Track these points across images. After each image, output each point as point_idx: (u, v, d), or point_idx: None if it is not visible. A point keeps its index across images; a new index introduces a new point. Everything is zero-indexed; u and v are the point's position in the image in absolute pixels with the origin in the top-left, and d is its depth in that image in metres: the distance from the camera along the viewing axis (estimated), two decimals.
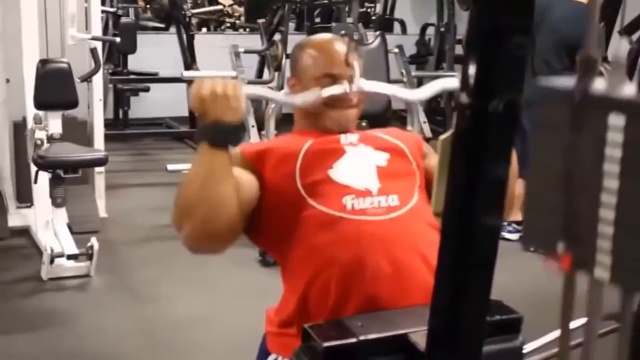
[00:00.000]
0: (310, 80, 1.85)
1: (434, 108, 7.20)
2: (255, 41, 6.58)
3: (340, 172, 1.75)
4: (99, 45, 5.09)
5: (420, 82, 5.78)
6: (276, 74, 5.83)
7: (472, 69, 0.81)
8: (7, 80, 4.78)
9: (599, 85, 0.65)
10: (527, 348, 1.78)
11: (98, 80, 5.12)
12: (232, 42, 5.45)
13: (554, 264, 0.67)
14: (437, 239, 0.89)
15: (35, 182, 4.25)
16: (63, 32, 4.85)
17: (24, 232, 4.69)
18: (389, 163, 1.80)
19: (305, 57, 1.89)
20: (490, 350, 1.32)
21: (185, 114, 6.78)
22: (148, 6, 9.14)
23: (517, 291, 2.72)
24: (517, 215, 4.62)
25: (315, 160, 1.76)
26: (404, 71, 5.67)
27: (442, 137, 1.26)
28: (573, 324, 0.68)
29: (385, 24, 8.75)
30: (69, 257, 4.06)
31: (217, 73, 5.53)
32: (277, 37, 6.00)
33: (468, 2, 6.48)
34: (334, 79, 1.83)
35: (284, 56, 5.58)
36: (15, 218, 4.81)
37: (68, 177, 4.21)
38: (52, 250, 4.00)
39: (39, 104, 4.25)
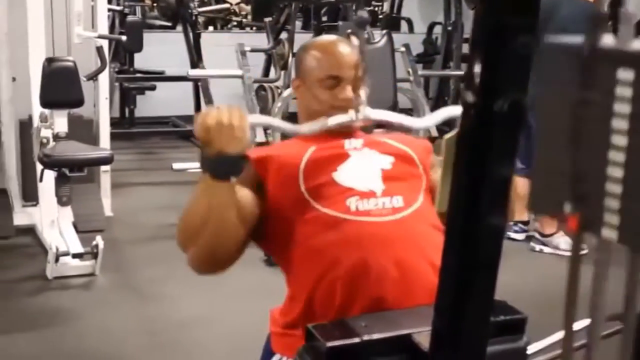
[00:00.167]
0: (314, 82, 1.85)
1: (440, 107, 7.17)
2: (262, 40, 6.58)
3: (344, 174, 1.74)
4: (105, 43, 5.09)
5: (427, 80, 5.75)
6: (282, 72, 5.82)
7: (477, 68, 0.81)
8: (13, 79, 4.80)
9: (608, 40, 0.64)
10: (532, 349, 1.77)
11: (104, 78, 5.13)
12: (238, 41, 5.45)
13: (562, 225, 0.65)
14: (441, 240, 0.89)
15: (41, 180, 4.24)
16: (69, 31, 4.85)
17: (30, 230, 4.69)
18: (393, 166, 1.79)
19: (309, 58, 1.89)
20: (494, 350, 1.32)
21: (192, 112, 6.78)
22: (155, 4, 9.13)
23: (521, 291, 2.71)
24: (523, 215, 4.61)
25: (319, 165, 1.75)
26: (410, 70, 5.65)
27: (447, 136, 1.26)
28: (577, 325, 0.68)
29: (392, 23, 8.74)
30: (74, 255, 4.06)
31: (223, 72, 5.56)
32: (283, 35, 5.99)
33: (475, 0, 6.47)
34: (337, 81, 1.83)
35: (291, 55, 5.57)
36: (21, 216, 4.82)
37: (73, 175, 4.20)
38: (57, 249, 4.01)
39: (45, 103, 4.26)
